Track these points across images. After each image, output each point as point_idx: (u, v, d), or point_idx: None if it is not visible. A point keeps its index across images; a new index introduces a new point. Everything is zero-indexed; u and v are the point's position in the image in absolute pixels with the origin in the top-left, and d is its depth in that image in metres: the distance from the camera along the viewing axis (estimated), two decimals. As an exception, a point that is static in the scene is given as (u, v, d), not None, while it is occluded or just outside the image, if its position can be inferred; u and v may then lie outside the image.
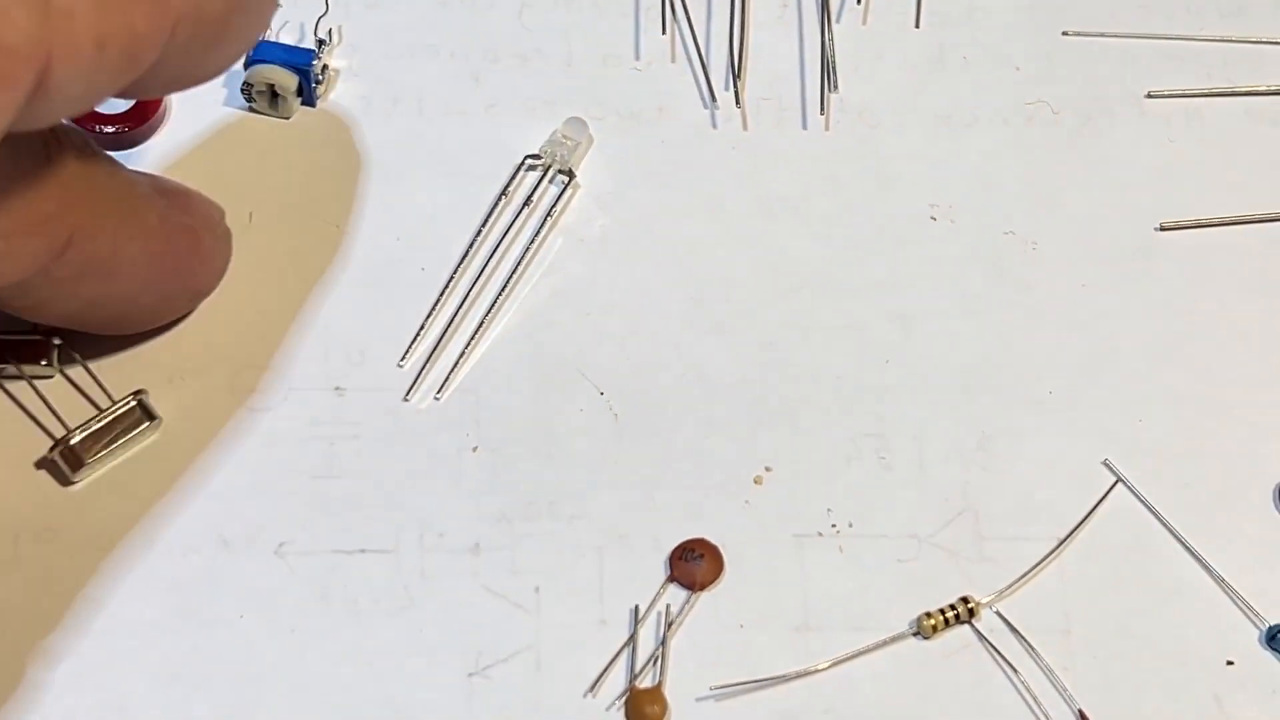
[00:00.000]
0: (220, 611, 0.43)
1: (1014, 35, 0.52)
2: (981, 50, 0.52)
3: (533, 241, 0.48)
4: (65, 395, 0.45)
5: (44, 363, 0.44)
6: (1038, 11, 0.52)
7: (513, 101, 0.50)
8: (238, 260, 0.47)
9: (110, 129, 0.48)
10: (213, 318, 0.46)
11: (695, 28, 0.51)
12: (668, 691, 0.43)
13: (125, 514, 0.44)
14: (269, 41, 0.49)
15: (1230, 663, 0.43)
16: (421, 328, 0.47)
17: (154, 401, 0.45)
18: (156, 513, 0.44)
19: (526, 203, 0.48)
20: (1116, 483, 0.45)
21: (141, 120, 0.48)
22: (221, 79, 0.49)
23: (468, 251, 0.48)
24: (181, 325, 0.46)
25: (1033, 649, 0.43)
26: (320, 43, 0.49)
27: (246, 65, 0.48)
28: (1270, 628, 0.44)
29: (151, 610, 0.43)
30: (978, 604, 0.44)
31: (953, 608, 0.43)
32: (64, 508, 0.43)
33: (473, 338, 0.47)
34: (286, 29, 0.50)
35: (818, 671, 0.43)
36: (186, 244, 0.42)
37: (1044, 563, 0.44)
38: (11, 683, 0.42)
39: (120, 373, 0.45)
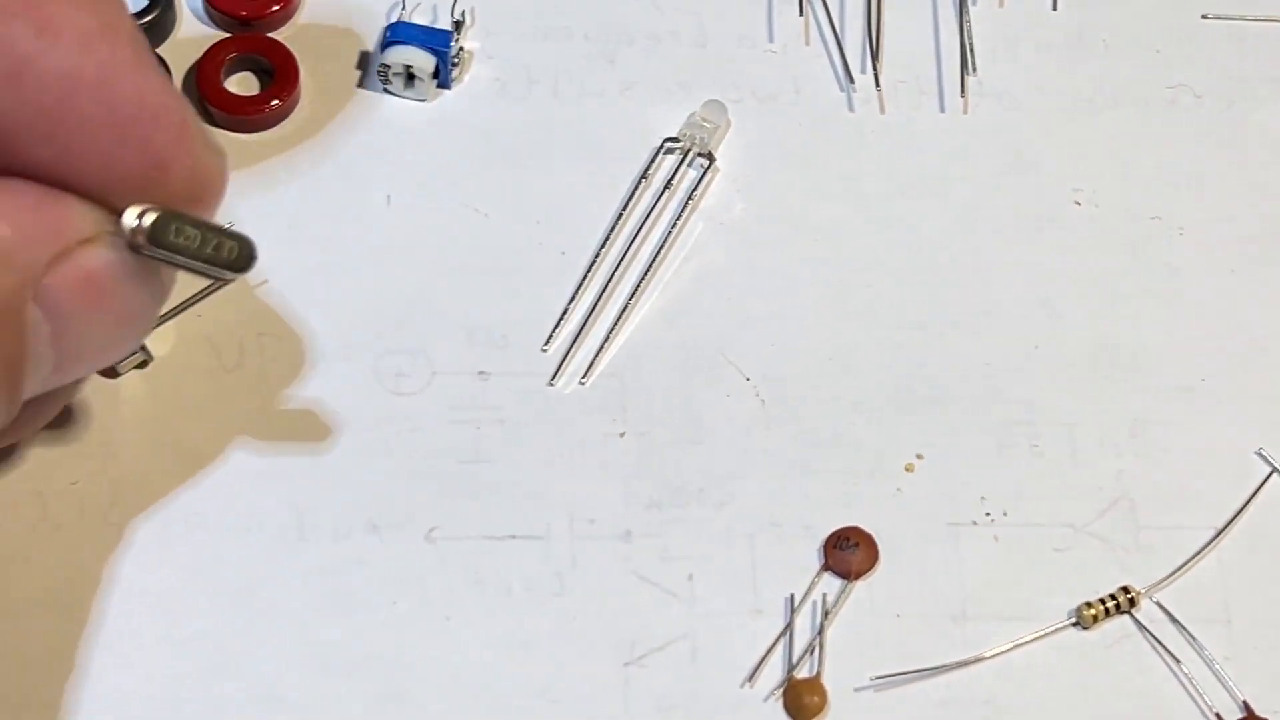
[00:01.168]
0: (373, 598, 0.42)
1: (1152, 18, 0.51)
2: (1120, 33, 0.51)
3: (673, 225, 0.47)
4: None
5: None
6: (1176, -6, 0.52)
7: (648, 83, 0.50)
8: (377, 243, 0.46)
9: (244, 111, 0.47)
10: (354, 302, 0.46)
11: (829, 9, 0.51)
12: (826, 681, 0.42)
13: (273, 499, 0.43)
14: (406, 23, 0.48)
15: (1395, 654, 0.43)
16: (564, 312, 0.46)
17: (297, 387, 0.44)
18: (305, 498, 0.43)
19: (666, 186, 0.48)
20: (1272, 473, 0.45)
21: (276, 102, 0.47)
22: (356, 60, 0.49)
23: (608, 235, 0.47)
24: (324, 308, 0.45)
25: (1194, 639, 0.43)
26: (457, 24, 0.48)
27: (384, 47, 0.48)
28: None
29: (304, 597, 0.42)
30: (1138, 594, 0.43)
31: (1113, 597, 0.43)
32: (214, 493, 0.43)
33: (616, 322, 0.46)
34: (419, 10, 0.49)
35: (979, 661, 0.42)
36: None
37: (1202, 553, 0.44)
38: (165, 669, 0.41)
39: (264, 355, 0.45)
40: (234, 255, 0.36)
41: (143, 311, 0.35)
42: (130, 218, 0.33)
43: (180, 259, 0.34)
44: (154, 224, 0.33)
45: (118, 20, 0.32)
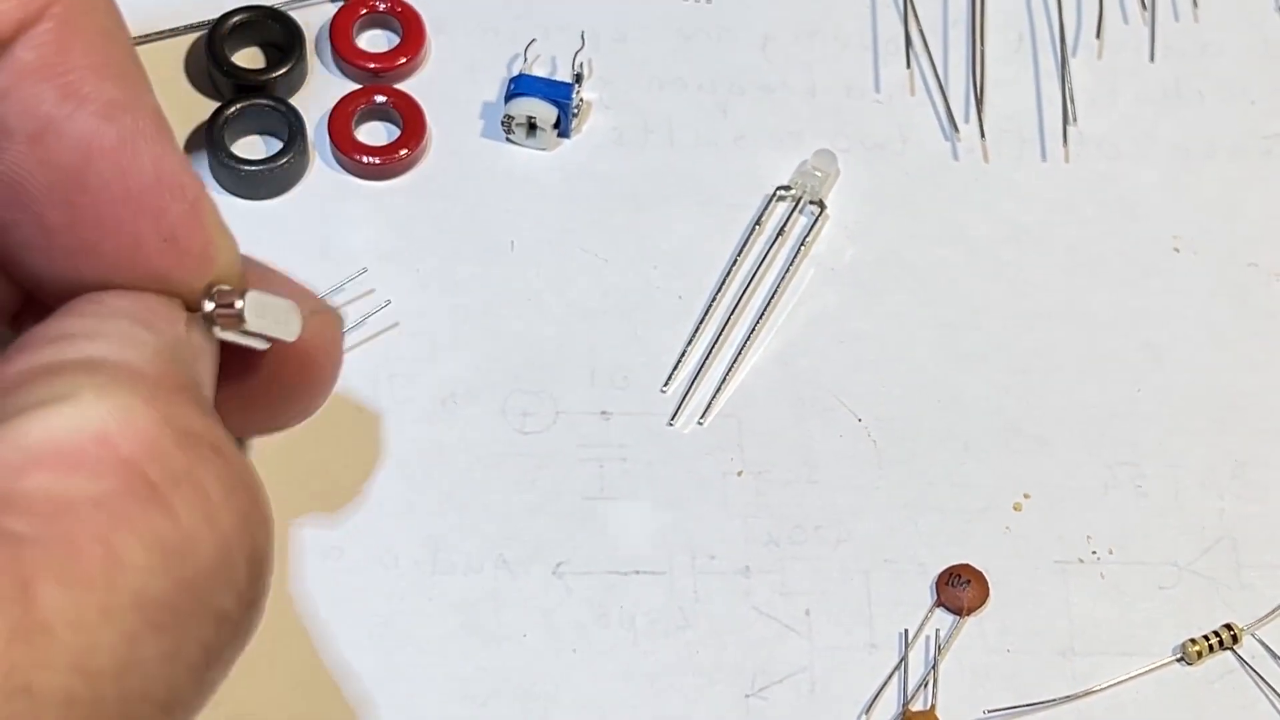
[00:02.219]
0: (504, 630, 0.44)
1: (1247, 69, 0.53)
2: (1215, 84, 0.53)
3: (786, 271, 0.49)
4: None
5: None
6: (1269, 45, 0.53)
7: (759, 132, 0.51)
8: (503, 287, 0.48)
9: (374, 160, 0.49)
10: (481, 344, 0.47)
11: (934, 60, 0.52)
12: (940, 714, 0.44)
13: (408, 534, 0.45)
14: (528, 76, 0.50)
15: None
16: (682, 354, 0.48)
17: (428, 426, 0.46)
18: (438, 533, 0.45)
19: (779, 233, 0.49)
20: (1370, 512, 0.46)
21: (404, 151, 0.49)
22: (479, 110, 0.51)
23: (723, 280, 0.49)
24: (452, 350, 0.47)
25: (1296, 675, 0.44)
26: (578, 76, 0.50)
27: (507, 99, 0.50)
28: None
29: (439, 629, 0.44)
30: (1240, 630, 0.44)
31: (1216, 634, 0.44)
32: (351, 528, 0.45)
33: (732, 364, 0.48)
34: (539, 62, 0.51)
35: (1088, 695, 0.44)
36: None
37: (1303, 591, 0.45)
38: (304, 700, 0.43)
39: (396, 396, 0.47)
40: (290, 319, 0.35)
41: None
42: (208, 304, 0.32)
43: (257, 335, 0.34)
44: (245, 305, 0.32)
45: (141, 93, 0.32)
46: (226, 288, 0.32)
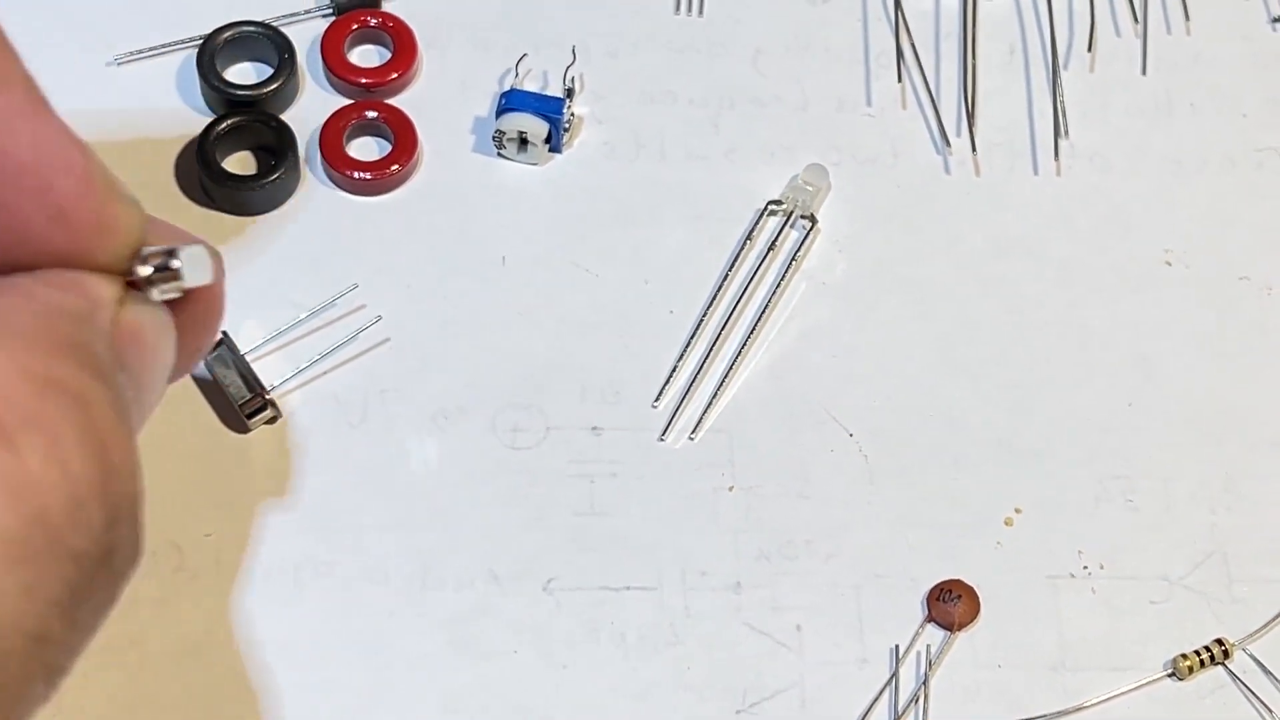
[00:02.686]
0: (494, 645, 0.44)
1: (1239, 82, 0.53)
2: (1208, 96, 0.53)
3: (777, 285, 0.49)
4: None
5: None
6: (1261, 58, 0.53)
7: (751, 146, 0.51)
8: (493, 302, 0.48)
9: (365, 175, 0.49)
10: (472, 359, 0.47)
11: (925, 74, 0.52)
12: (931, 729, 0.44)
13: (399, 550, 0.45)
14: (520, 91, 0.50)
15: None
16: (673, 369, 0.48)
17: (418, 442, 0.46)
18: (428, 549, 0.45)
19: (770, 247, 0.49)
20: (1362, 526, 0.46)
21: (395, 166, 0.49)
22: (471, 125, 0.51)
23: (714, 294, 0.49)
24: (443, 365, 0.47)
25: (1287, 690, 0.44)
26: (568, 91, 0.50)
27: (498, 114, 0.50)
28: None
29: (429, 644, 0.44)
30: (1232, 645, 0.44)
31: (1207, 649, 0.44)
32: (343, 544, 0.45)
33: (723, 379, 0.48)
34: (530, 77, 0.51)
35: (1079, 710, 0.44)
36: None
37: (1295, 605, 0.45)
38: (296, 714, 0.43)
39: (387, 411, 0.47)
40: (207, 267, 0.36)
41: (169, 349, 0.34)
42: (143, 269, 0.33)
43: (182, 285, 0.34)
44: (156, 269, 0.33)
45: (7, 66, 0.30)
46: (154, 249, 0.31)
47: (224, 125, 0.49)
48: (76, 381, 0.29)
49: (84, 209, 0.31)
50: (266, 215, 0.49)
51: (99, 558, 0.28)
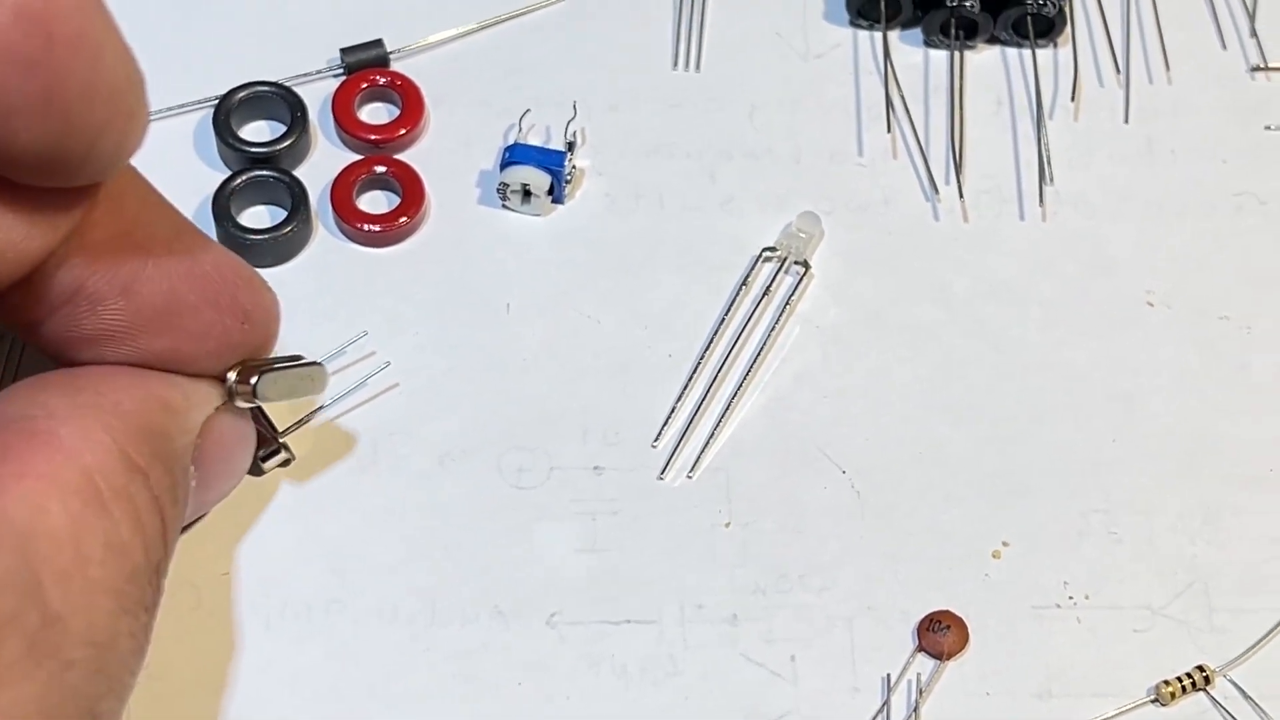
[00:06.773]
0: (499, 679, 0.46)
1: (1219, 130, 0.55)
2: (1188, 144, 0.54)
3: (772, 329, 0.51)
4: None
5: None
6: (1239, 108, 0.55)
7: (746, 196, 0.53)
8: (499, 348, 0.50)
9: (375, 227, 0.51)
10: (478, 403, 0.49)
11: (915, 125, 0.54)
12: (921, 755, 0.45)
13: (407, 586, 0.47)
14: (523, 145, 0.52)
15: None
16: (672, 410, 0.50)
17: (426, 481, 0.48)
18: (435, 585, 0.47)
19: (765, 292, 0.51)
20: (1339, 556, 0.48)
21: (404, 219, 0.51)
22: (476, 178, 0.53)
23: (711, 339, 0.51)
24: (450, 409, 0.49)
25: (1266, 714, 0.46)
26: (570, 145, 0.52)
27: (502, 167, 0.52)
28: None
29: (437, 678, 0.46)
30: (1213, 672, 0.46)
31: (1189, 676, 0.46)
32: (353, 581, 0.47)
33: (720, 420, 0.49)
34: (533, 132, 0.53)
35: (1064, 736, 0.45)
36: None
37: (1273, 632, 0.47)
38: (309, 744, 0.45)
39: (396, 453, 0.48)
40: (315, 381, 0.43)
41: (247, 455, 0.42)
42: (238, 381, 0.38)
43: (277, 402, 0.41)
44: (258, 383, 0.38)
45: (176, 217, 0.37)
46: (252, 363, 0.39)
47: (239, 181, 0.51)
48: (150, 468, 0.35)
49: (259, 307, 0.38)
50: (280, 267, 0.51)
51: (151, 609, 0.35)
